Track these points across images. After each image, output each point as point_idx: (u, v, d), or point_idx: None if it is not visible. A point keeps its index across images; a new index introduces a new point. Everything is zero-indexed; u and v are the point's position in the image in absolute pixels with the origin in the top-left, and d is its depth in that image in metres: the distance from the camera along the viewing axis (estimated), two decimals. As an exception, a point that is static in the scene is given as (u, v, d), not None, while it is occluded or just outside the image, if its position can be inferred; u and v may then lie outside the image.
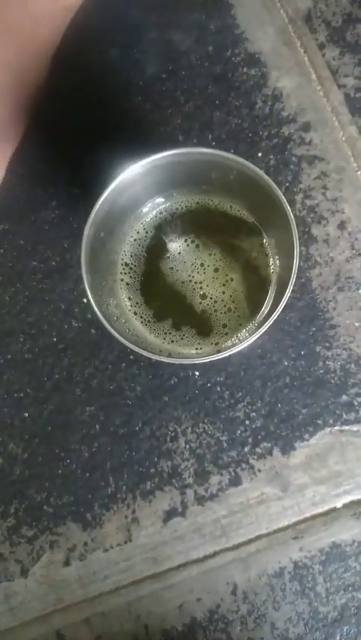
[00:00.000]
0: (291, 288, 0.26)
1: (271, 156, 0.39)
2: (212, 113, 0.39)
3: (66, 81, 0.39)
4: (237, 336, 0.33)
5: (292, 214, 0.26)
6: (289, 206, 0.27)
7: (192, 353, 0.33)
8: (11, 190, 0.40)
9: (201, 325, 0.34)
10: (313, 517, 0.37)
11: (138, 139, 0.40)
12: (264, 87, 0.40)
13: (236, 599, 0.37)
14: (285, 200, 0.26)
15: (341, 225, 0.38)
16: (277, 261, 0.33)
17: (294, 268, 0.26)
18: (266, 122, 0.39)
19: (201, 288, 0.34)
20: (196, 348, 0.34)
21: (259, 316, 0.33)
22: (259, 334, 0.27)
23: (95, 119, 0.39)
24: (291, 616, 0.36)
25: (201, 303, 0.34)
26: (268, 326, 0.27)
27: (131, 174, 0.28)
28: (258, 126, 0.39)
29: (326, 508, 0.37)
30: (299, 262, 0.28)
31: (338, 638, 0.36)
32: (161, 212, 0.34)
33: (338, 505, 0.37)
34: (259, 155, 0.39)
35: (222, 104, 0.39)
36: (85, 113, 0.39)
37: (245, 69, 0.40)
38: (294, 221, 0.26)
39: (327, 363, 0.38)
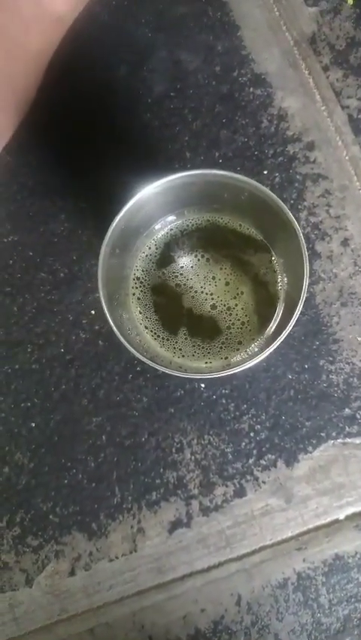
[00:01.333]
0: (300, 308, 0.27)
1: (277, 174, 0.40)
2: (219, 131, 0.40)
3: (75, 96, 0.40)
4: (246, 351, 0.34)
5: (302, 236, 0.27)
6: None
7: (201, 367, 0.34)
8: (21, 202, 0.40)
9: (211, 339, 0.35)
10: (317, 528, 0.38)
11: (145, 155, 0.41)
12: (270, 107, 0.41)
13: (240, 610, 0.37)
14: (296, 222, 0.27)
15: (345, 242, 0.39)
16: (285, 279, 0.34)
17: (304, 287, 0.27)
18: (272, 141, 0.40)
19: (212, 298, 0.35)
20: (206, 362, 0.35)
21: (268, 331, 0.34)
22: (270, 351, 0.28)
23: (103, 135, 0.40)
24: (294, 627, 0.37)
25: (211, 315, 0.35)
26: (278, 344, 0.27)
27: (147, 194, 0.29)
28: (264, 145, 0.40)
29: (328, 519, 0.38)
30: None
31: (340, 648, 0.36)
32: (172, 229, 0.35)
33: (341, 516, 0.38)
34: (265, 172, 0.40)
35: (229, 123, 0.40)
36: (93, 129, 0.40)
37: (251, 89, 0.41)
38: (304, 243, 0.27)
39: (330, 376, 0.38)
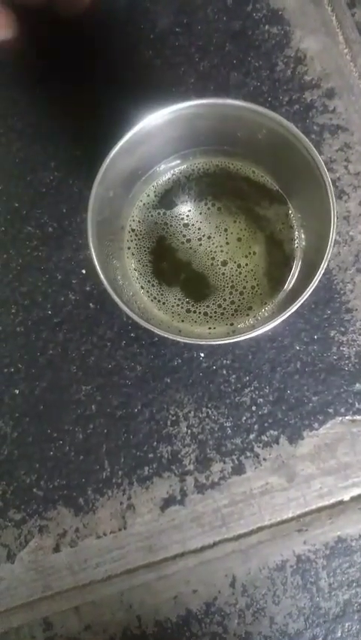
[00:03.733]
0: (322, 271, 0.24)
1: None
2: (229, 74, 0.37)
3: (70, 29, 0.36)
4: (255, 317, 0.31)
5: (330, 180, 0.23)
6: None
7: (204, 333, 0.31)
8: (7, 147, 0.37)
9: (216, 302, 0.32)
10: (319, 509, 0.35)
11: (146, 99, 0.36)
12: (286, 47, 0.37)
13: (235, 592, 0.35)
14: (323, 163, 0.23)
15: (363, 202, 0.36)
16: (303, 235, 0.30)
17: (329, 247, 0.23)
18: (287, 87, 0.36)
19: (222, 254, 0.31)
20: (209, 328, 0.31)
21: (280, 295, 0.30)
22: (283, 318, 0.24)
23: (101, 75, 0.36)
24: (291, 611, 0.35)
25: (218, 275, 0.31)
26: (293, 310, 0.24)
27: (149, 125, 0.25)
28: (278, 90, 0.36)
29: (332, 500, 0.35)
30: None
31: (339, 634, 0.35)
32: (174, 174, 0.31)
33: (346, 498, 0.35)
34: (279, 121, 0.36)
35: (240, 64, 0.37)
36: (89, 67, 0.36)
37: (267, 27, 0.37)
38: (331, 187, 0.23)
39: (341, 348, 0.35)
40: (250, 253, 0.31)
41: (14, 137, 0.37)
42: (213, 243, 0.31)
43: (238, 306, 0.31)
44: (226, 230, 0.31)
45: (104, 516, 0.35)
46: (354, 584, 0.35)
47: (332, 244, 0.24)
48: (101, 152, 0.28)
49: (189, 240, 0.32)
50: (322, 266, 0.23)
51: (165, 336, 0.26)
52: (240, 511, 0.35)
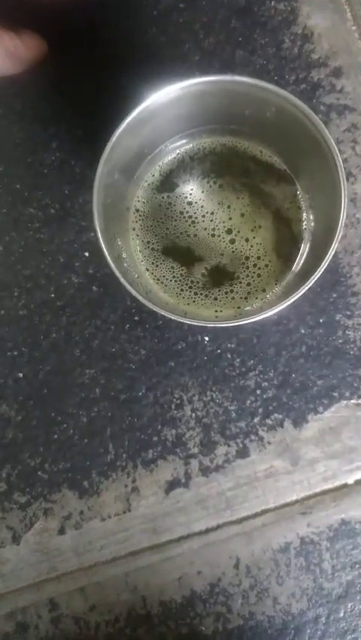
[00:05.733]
0: (333, 252, 0.23)
1: (298, 103, 0.35)
2: (234, 51, 0.36)
3: (71, 8, 0.35)
4: (263, 299, 0.30)
5: (341, 159, 0.23)
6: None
7: (210, 316, 0.31)
8: (7, 128, 0.36)
9: (222, 284, 0.31)
10: (323, 492, 0.35)
11: (149, 77, 0.36)
12: (293, 24, 0.36)
13: (238, 573, 0.35)
14: (333, 143, 0.23)
15: (370, 184, 0.35)
16: (311, 216, 0.29)
17: (339, 226, 0.23)
18: (294, 65, 0.36)
19: (228, 232, 0.30)
20: (216, 310, 0.31)
21: (289, 277, 0.30)
22: (292, 301, 0.24)
23: (102, 52, 0.35)
24: (295, 591, 0.35)
25: (224, 255, 0.30)
26: (302, 292, 0.24)
27: (156, 103, 0.24)
28: (285, 69, 0.36)
29: (336, 483, 0.35)
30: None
31: (341, 614, 0.35)
32: (179, 154, 0.30)
33: (350, 481, 0.35)
34: (285, 101, 0.35)
35: (245, 42, 0.36)
36: (91, 45, 0.35)
37: (273, 3, 0.36)
38: (343, 167, 0.23)
39: (347, 332, 0.35)
40: (255, 227, 0.30)
41: (14, 119, 0.36)
42: (216, 220, 0.31)
43: (245, 288, 0.31)
44: (229, 207, 0.31)
45: (109, 499, 0.36)
46: (357, 566, 0.35)
47: (342, 225, 0.23)
48: (103, 131, 0.27)
49: (192, 219, 0.31)
50: (332, 247, 0.23)
51: (170, 317, 0.25)
52: (244, 494, 0.35)
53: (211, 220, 0.31)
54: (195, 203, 0.31)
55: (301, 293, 0.24)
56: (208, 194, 0.31)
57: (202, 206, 0.30)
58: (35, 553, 0.36)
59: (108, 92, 0.35)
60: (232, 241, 0.31)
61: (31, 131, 0.36)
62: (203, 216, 0.31)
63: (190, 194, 0.31)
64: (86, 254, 0.36)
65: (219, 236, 0.31)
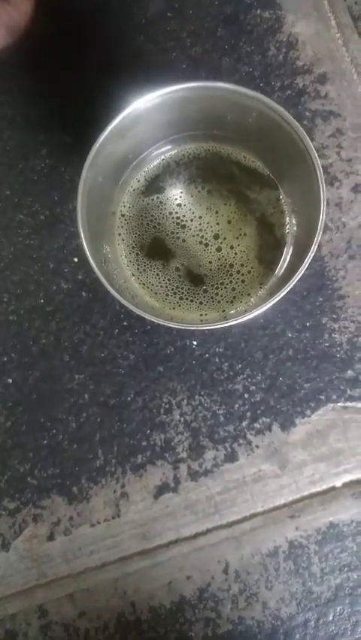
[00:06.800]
0: (312, 254, 0.24)
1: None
2: (220, 59, 0.36)
3: (60, 13, 0.35)
4: (247, 303, 0.30)
5: (319, 163, 0.23)
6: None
7: (196, 319, 0.31)
8: (-3, 135, 0.36)
9: (208, 288, 0.32)
10: (311, 495, 0.35)
11: (138, 84, 0.36)
12: (278, 32, 0.36)
13: (228, 578, 0.35)
14: (313, 147, 0.23)
15: (356, 188, 0.36)
16: (294, 220, 0.30)
17: (318, 230, 0.23)
18: (279, 72, 0.36)
19: (214, 238, 0.30)
20: (201, 314, 0.31)
21: (272, 280, 0.30)
22: (273, 302, 0.24)
23: (91, 60, 0.36)
24: (284, 595, 0.35)
25: (209, 260, 0.31)
26: (283, 294, 0.24)
27: (139, 109, 0.25)
28: (270, 75, 0.36)
29: (324, 487, 0.35)
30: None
31: (330, 617, 0.35)
32: (165, 160, 0.31)
33: (338, 484, 0.35)
34: (271, 107, 0.36)
35: (231, 50, 0.36)
36: (81, 53, 0.36)
37: (259, 11, 0.36)
38: (321, 172, 0.23)
39: (333, 335, 0.35)
40: (240, 235, 0.31)
41: (4, 125, 0.36)
42: (203, 226, 0.31)
43: (230, 292, 0.31)
44: (216, 212, 0.31)
45: (98, 504, 0.36)
46: (346, 569, 0.35)
47: (322, 228, 0.24)
48: (93, 138, 0.28)
49: (179, 224, 0.31)
50: (311, 249, 0.23)
51: (158, 322, 0.25)
52: (233, 499, 0.36)
53: (199, 224, 0.31)
54: (185, 205, 0.31)
55: (283, 294, 0.24)
56: (197, 198, 0.31)
57: (191, 210, 0.31)
58: (24, 560, 0.36)
59: (97, 99, 0.35)
60: (219, 249, 0.31)
61: (21, 137, 0.36)
62: (191, 220, 0.31)
63: (180, 196, 0.31)
64: (76, 260, 0.36)
65: (207, 244, 0.31)
